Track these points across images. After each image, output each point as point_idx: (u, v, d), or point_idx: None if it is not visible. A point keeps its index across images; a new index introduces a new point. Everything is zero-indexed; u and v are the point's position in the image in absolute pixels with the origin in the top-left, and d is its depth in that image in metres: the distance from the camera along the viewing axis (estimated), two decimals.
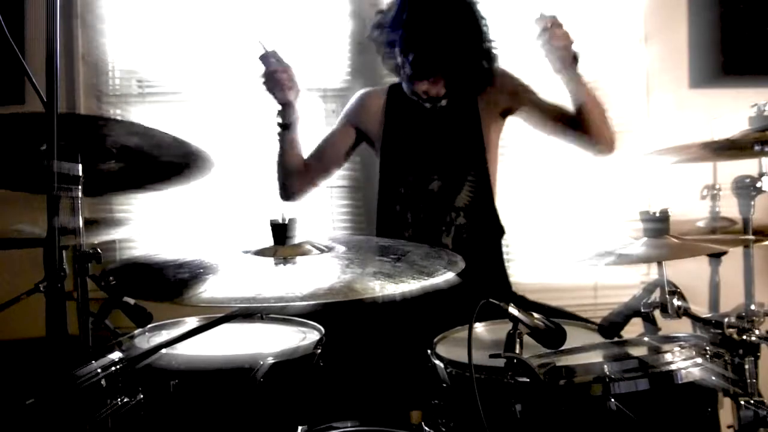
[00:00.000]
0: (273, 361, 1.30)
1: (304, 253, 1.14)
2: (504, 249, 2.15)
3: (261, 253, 1.15)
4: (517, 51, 2.26)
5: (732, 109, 1.67)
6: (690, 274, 1.46)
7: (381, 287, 0.96)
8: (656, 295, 1.39)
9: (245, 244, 1.20)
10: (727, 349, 1.27)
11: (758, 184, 1.62)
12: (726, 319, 1.29)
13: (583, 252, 1.47)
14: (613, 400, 1.13)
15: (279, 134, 2.07)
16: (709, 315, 1.34)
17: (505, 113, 2.11)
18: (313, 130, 2.51)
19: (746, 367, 1.27)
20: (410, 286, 0.99)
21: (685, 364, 1.20)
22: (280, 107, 2.02)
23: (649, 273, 2.40)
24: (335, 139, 2.17)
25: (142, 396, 1.23)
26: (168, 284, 1.04)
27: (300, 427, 1.26)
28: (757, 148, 1.50)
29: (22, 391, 0.97)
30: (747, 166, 1.67)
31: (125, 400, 1.17)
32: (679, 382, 1.19)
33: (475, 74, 2.00)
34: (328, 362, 1.42)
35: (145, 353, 1.19)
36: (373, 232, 2.16)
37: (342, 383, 1.51)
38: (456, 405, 1.27)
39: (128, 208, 2.50)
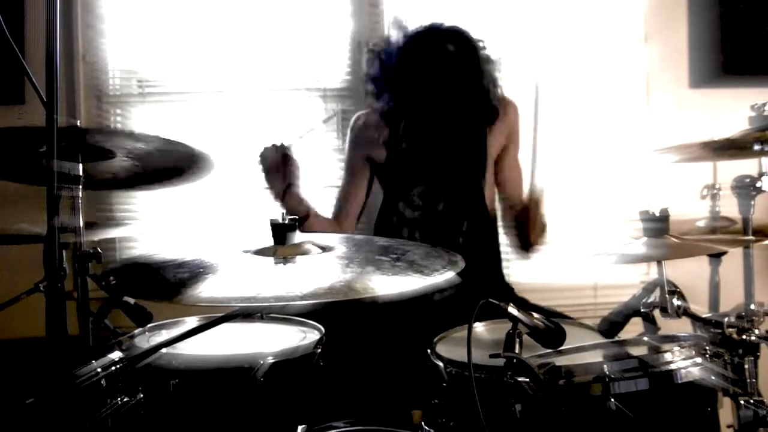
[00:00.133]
0: (273, 361, 1.30)
1: (304, 253, 1.14)
2: (503, 249, 2.15)
3: (261, 252, 1.15)
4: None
5: (732, 109, 1.67)
6: (690, 273, 1.46)
7: (381, 287, 0.96)
8: (656, 295, 1.39)
9: (245, 243, 1.20)
10: (726, 349, 1.27)
11: (758, 184, 1.62)
12: (726, 319, 1.29)
13: (583, 252, 1.47)
14: (612, 399, 1.13)
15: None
16: (708, 315, 1.34)
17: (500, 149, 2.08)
18: (313, 129, 2.52)
19: (746, 366, 1.28)
20: (410, 285, 0.98)
21: (685, 363, 1.20)
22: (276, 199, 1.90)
23: (648, 273, 2.40)
24: (357, 183, 2.09)
25: (142, 396, 1.23)
26: (168, 284, 1.04)
27: (300, 427, 1.26)
28: (757, 148, 1.49)
29: (22, 391, 0.97)
30: (747, 166, 1.67)
31: (125, 399, 1.17)
32: (679, 381, 1.19)
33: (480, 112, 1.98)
34: (328, 362, 1.42)
35: (145, 353, 1.19)
36: (373, 232, 2.16)
37: (342, 383, 1.51)
38: (456, 405, 1.27)
39: (129, 207, 2.51)
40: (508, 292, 2.06)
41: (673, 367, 1.20)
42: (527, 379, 1.12)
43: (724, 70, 2.57)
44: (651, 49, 2.58)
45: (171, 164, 1.44)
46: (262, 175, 1.90)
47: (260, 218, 1.26)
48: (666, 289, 1.35)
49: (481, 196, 2.02)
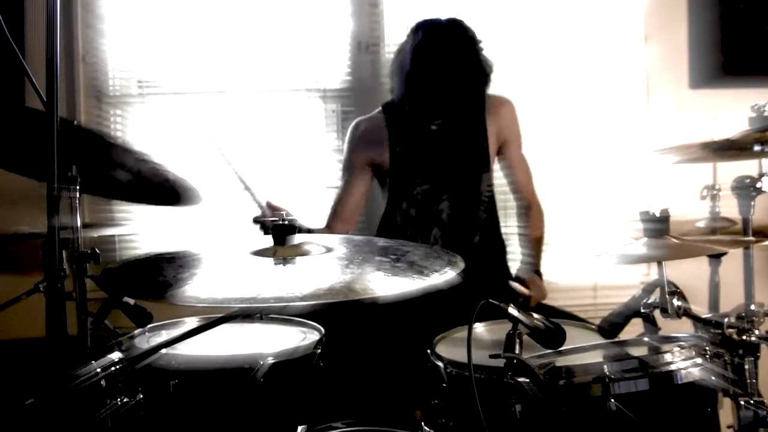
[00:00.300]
0: (273, 361, 1.30)
1: (304, 253, 1.14)
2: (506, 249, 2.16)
3: (261, 253, 1.15)
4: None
5: (732, 109, 1.67)
6: (690, 274, 1.46)
7: (380, 287, 0.96)
8: (656, 296, 1.39)
9: (245, 244, 1.20)
10: (727, 350, 1.27)
11: (758, 185, 1.62)
12: (726, 320, 1.29)
13: (584, 252, 1.47)
14: (612, 400, 1.13)
15: None
16: (709, 315, 1.34)
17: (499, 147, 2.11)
18: (313, 129, 2.53)
19: (746, 367, 1.27)
20: (410, 285, 0.98)
21: (685, 364, 1.21)
22: None
23: (649, 273, 2.40)
24: (354, 189, 2.08)
25: (141, 396, 1.23)
26: (167, 284, 1.04)
27: (300, 427, 1.26)
28: (757, 148, 1.49)
29: (22, 391, 0.97)
30: (747, 167, 1.67)
31: (125, 400, 1.17)
32: (679, 382, 1.19)
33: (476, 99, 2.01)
34: (328, 362, 1.42)
35: (144, 353, 1.19)
36: (373, 233, 2.16)
37: (342, 383, 1.51)
38: (456, 405, 1.27)
39: (128, 207, 2.50)
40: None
41: (673, 367, 1.20)
42: (527, 380, 1.12)
43: (724, 70, 2.57)
44: (651, 49, 2.58)
45: (164, 186, 1.44)
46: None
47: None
48: (666, 289, 1.34)
49: (485, 191, 2.03)
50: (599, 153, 2.56)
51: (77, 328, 1.26)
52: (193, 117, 2.44)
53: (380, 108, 2.11)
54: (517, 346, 1.14)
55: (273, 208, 1.76)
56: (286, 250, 1.15)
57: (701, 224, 1.91)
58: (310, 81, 2.52)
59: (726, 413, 1.27)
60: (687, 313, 1.34)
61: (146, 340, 1.48)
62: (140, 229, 2.47)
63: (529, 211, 2.13)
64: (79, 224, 1.28)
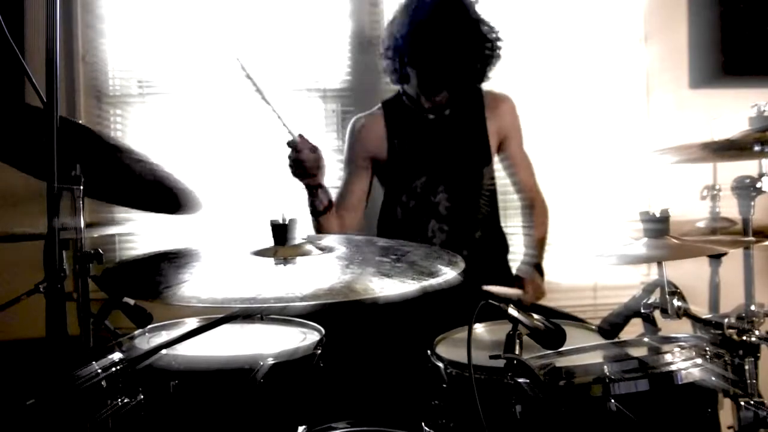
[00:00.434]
0: (273, 362, 1.30)
1: (304, 254, 1.14)
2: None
3: (261, 253, 1.15)
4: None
5: (732, 109, 1.67)
6: (690, 274, 1.46)
7: (381, 287, 0.96)
8: (656, 296, 1.39)
9: (245, 244, 1.20)
10: (727, 350, 1.27)
11: (758, 185, 1.62)
12: (726, 320, 1.29)
13: (584, 252, 1.47)
14: (613, 400, 1.13)
15: (314, 218, 1.94)
16: (709, 316, 1.34)
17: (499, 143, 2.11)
18: (313, 129, 2.52)
19: (746, 367, 1.27)
20: (410, 286, 0.98)
21: (685, 364, 1.21)
22: (308, 193, 1.90)
23: (649, 273, 2.40)
24: (356, 184, 2.08)
25: (142, 396, 1.22)
26: (167, 284, 1.04)
27: (300, 428, 1.26)
28: (757, 148, 1.49)
29: (22, 392, 0.97)
30: (747, 167, 1.66)
31: (125, 400, 1.17)
32: (679, 382, 1.19)
33: (478, 74, 2.01)
34: (328, 363, 1.42)
35: (145, 354, 1.19)
36: (372, 229, 2.16)
37: (342, 384, 1.50)
38: (456, 406, 1.27)
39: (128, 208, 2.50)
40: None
41: (673, 368, 1.20)
42: (527, 380, 1.12)
43: (724, 70, 2.57)
44: (651, 49, 2.58)
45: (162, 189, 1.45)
46: (296, 171, 1.85)
47: (260, 218, 1.26)
48: (666, 290, 1.34)
49: (487, 185, 2.04)
50: (599, 153, 2.56)
51: (79, 328, 1.26)
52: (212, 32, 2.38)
53: (380, 104, 2.12)
54: (517, 347, 1.14)
55: (304, 139, 1.82)
56: (286, 250, 1.15)
57: (701, 224, 1.91)
58: (310, 81, 2.52)
59: (726, 414, 1.27)
60: (687, 313, 1.34)
61: (146, 340, 1.48)
62: (140, 229, 2.47)
63: (533, 209, 2.13)
64: (82, 225, 1.28)
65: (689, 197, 1.93)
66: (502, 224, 2.15)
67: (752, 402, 1.24)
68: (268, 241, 1.17)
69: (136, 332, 1.49)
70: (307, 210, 1.92)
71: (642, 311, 1.40)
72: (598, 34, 2.58)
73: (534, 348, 1.19)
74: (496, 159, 2.13)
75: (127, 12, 2.47)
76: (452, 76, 1.94)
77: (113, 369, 1.11)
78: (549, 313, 1.82)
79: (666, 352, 1.23)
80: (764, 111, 1.59)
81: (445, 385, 1.29)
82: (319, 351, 1.40)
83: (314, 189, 1.88)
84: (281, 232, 1.16)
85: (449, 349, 1.38)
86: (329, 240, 1.25)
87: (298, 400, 1.34)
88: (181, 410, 1.31)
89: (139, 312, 1.43)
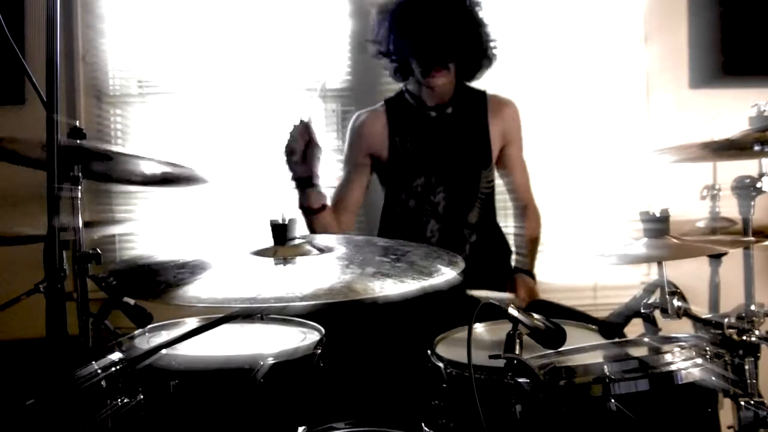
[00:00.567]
0: (273, 362, 1.29)
1: (304, 254, 1.14)
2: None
3: (261, 253, 1.14)
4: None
5: (732, 109, 1.67)
6: (690, 274, 1.46)
7: (381, 287, 0.96)
8: (656, 296, 1.39)
9: (245, 244, 1.20)
10: (727, 350, 1.27)
11: (758, 185, 1.62)
12: (726, 320, 1.29)
13: (584, 252, 1.47)
14: (613, 400, 1.13)
15: (306, 216, 1.88)
16: (709, 315, 1.34)
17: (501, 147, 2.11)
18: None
19: (746, 367, 1.27)
20: (410, 286, 0.98)
21: (685, 364, 1.20)
22: (298, 190, 1.85)
23: (649, 273, 2.40)
24: (355, 180, 2.07)
25: (142, 396, 1.23)
26: (167, 284, 1.04)
27: (300, 428, 1.26)
28: (757, 148, 1.49)
29: (22, 392, 0.97)
30: (747, 166, 1.67)
31: (125, 400, 1.17)
32: (679, 382, 1.19)
33: (476, 59, 1.99)
34: (328, 362, 1.42)
35: (145, 354, 1.19)
36: (374, 233, 2.16)
37: (342, 384, 1.50)
38: (456, 405, 1.27)
39: (128, 208, 2.51)
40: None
41: (673, 367, 1.20)
42: (528, 380, 1.12)
43: (724, 70, 2.57)
44: (651, 49, 2.58)
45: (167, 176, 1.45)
46: (288, 158, 1.82)
47: (260, 218, 1.26)
48: (666, 289, 1.34)
49: (485, 188, 2.04)
50: (599, 153, 2.56)
51: (78, 328, 1.26)
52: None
53: (382, 102, 2.11)
54: (517, 347, 1.14)
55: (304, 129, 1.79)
56: (286, 250, 1.15)
57: (701, 224, 1.92)
58: (310, 81, 2.52)
59: (726, 414, 1.27)
60: (687, 313, 1.34)
61: (146, 340, 1.48)
62: (140, 229, 2.47)
63: (525, 214, 2.13)
64: (80, 224, 1.28)
65: (689, 197, 1.93)
66: (502, 224, 2.15)
67: (752, 402, 1.24)
68: (268, 241, 1.17)
69: (136, 332, 1.49)
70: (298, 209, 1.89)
71: (642, 311, 1.40)
72: (598, 35, 2.58)
73: (534, 348, 1.19)
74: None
75: (127, 12, 2.47)
76: (448, 46, 1.90)
77: (113, 369, 1.11)
78: (552, 309, 1.81)
79: (666, 352, 1.23)
80: (764, 111, 1.59)
81: (445, 385, 1.28)
82: (319, 351, 1.40)
83: (304, 184, 1.85)
84: (281, 232, 1.16)
85: (449, 349, 1.38)
86: (329, 240, 1.25)
87: (298, 400, 1.34)
88: (181, 410, 1.31)
89: (139, 312, 1.43)
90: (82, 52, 2.45)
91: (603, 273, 2.46)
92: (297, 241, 1.17)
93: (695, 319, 1.34)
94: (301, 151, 1.80)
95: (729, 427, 1.29)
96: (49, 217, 1.03)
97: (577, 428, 1.16)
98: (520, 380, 1.13)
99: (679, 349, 1.24)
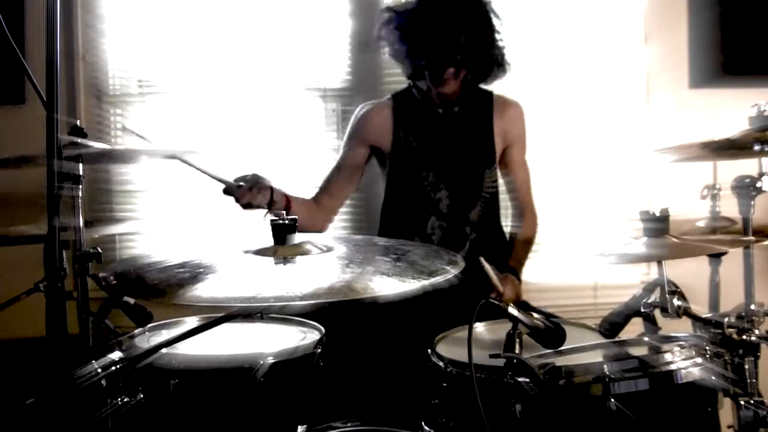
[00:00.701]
0: (273, 361, 1.30)
1: (304, 253, 1.14)
2: None
3: (261, 252, 1.15)
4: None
5: (732, 109, 1.67)
6: (690, 273, 1.46)
7: (381, 287, 0.96)
8: (656, 295, 1.39)
9: (245, 243, 1.20)
10: (727, 349, 1.27)
11: (758, 184, 1.62)
12: (726, 319, 1.29)
13: (584, 252, 1.47)
14: (612, 400, 1.13)
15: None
16: (709, 315, 1.34)
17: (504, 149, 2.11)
18: (313, 129, 2.53)
19: (746, 367, 1.28)
20: (411, 285, 0.98)
21: (685, 364, 1.20)
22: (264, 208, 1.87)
23: (649, 273, 2.40)
24: (347, 164, 2.09)
25: (142, 396, 1.23)
26: (167, 284, 1.04)
27: (300, 427, 1.26)
28: (757, 148, 1.49)
29: (22, 391, 0.97)
30: (747, 166, 1.67)
31: (125, 399, 1.17)
32: (679, 382, 1.19)
33: (488, 67, 1.98)
34: (329, 362, 1.42)
35: (145, 353, 1.19)
36: (374, 233, 2.16)
37: (342, 383, 1.50)
38: (456, 405, 1.27)
39: (128, 207, 2.51)
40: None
41: (673, 367, 1.20)
42: (527, 380, 1.12)
43: (724, 70, 2.56)
44: (651, 49, 2.57)
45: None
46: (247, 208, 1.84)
47: (260, 218, 1.26)
48: (666, 289, 1.35)
49: (489, 187, 2.04)
50: (599, 153, 2.56)
51: (78, 327, 1.26)
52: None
53: (389, 96, 2.11)
54: (517, 346, 1.14)
55: (240, 184, 1.82)
56: (286, 249, 1.15)
57: (701, 224, 1.91)
58: (310, 80, 2.52)
59: (726, 413, 1.27)
60: (687, 312, 1.34)
61: (146, 339, 1.48)
62: (140, 229, 2.47)
63: (523, 217, 2.13)
64: (81, 224, 1.29)
65: (689, 196, 1.93)
66: (504, 227, 2.15)
67: (752, 401, 1.24)
68: (268, 241, 1.17)
69: (136, 331, 1.49)
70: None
71: (642, 310, 1.40)
72: (598, 35, 2.58)
73: (534, 347, 1.19)
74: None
75: (127, 12, 2.47)
76: (460, 57, 1.89)
77: (113, 368, 1.11)
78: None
79: (666, 352, 1.23)
80: (764, 111, 1.59)
81: (445, 384, 1.29)
82: (319, 350, 1.40)
83: (268, 205, 1.87)
84: (281, 231, 1.16)
85: (449, 348, 1.38)
86: (329, 240, 1.25)
87: (298, 399, 1.34)
88: (181, 409, 1.31)
89: (139, 311, 1.43)
90: (82, 52, 2.45)
91: (603, 272, 2.46)
92: (297, 241, 1.17)
93: (695, 318, 1.35)
94: (253, 200, 1.81)
95: (729, 427, 1.29)
96: (49, 216, 1.04)
97: (577, 428, 1.16)
98: (520, 379, 1.13)
99: (679, 348, 1.24)
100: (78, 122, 1.37)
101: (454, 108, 2.04)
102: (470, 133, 2.04)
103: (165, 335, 1.51)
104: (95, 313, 1.36)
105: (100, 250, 1.29)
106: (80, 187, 1.31)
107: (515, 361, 1.13)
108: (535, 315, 1.18)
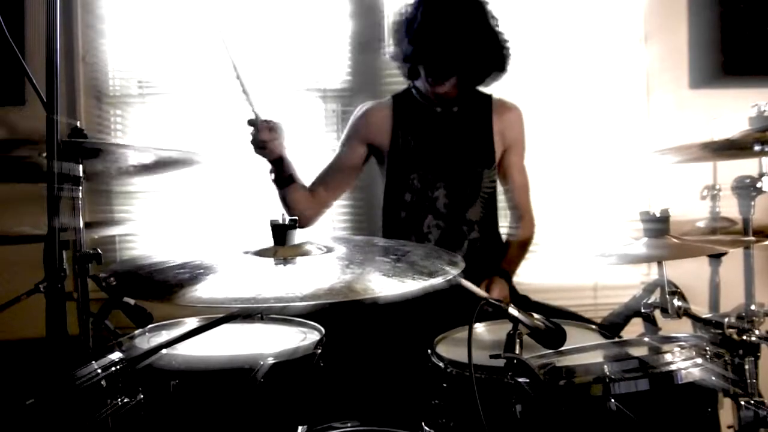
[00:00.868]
0: (273, 362, 1.30)
1: (304, 254, 1.14)
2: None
3: (261, 253, 1.15)
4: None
5: (732, 109, 1.67)
6: (690, 274, 1.46)
7: (381, 287, 0.96)
8: (656, 296, 1.39)
9: (245, 244, 1.20)
10: (727, 350, 1.27)
11: (758, 184, 1.62)
12: (726, 320, 1.29)
13: (584, 252, 1.47)
14: (613, 400, 1.13)
15: (279, 189, 1.99)
16: (709, 315, 1.34)
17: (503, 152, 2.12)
18: (313, 129, 2.53)
19: (746, 367, 1.28)
20: (411, 286, 0.98)
21: (685, 364, 1.20)
22: (271, 166, 1.94)
23: (649, 273, 2.40)
24: (344, 161, 2.11)
25: (142, 396, 1.22)
26: (168, 284, 1.04)
27: (300, 427, 1.26)
28: (757, 148, 1.49)
29: (22, 391, 0.97)
30: (747, 166, 1.67)
31: (125, 400, 1.17)
32: (679, 382, 1.19)
33: (486, 69, 1.99)
34: (329, 362, 1.42)
35: (145, 353, 1.19)
36: (374, 233, 2.16)
37: (342, 383, 1.50)
38: (456, 405, 1.27)
39: (128, 208, 2.51)
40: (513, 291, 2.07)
41: (673, 367, 1.20)
42: (528, 380, 1.12)
43: (724, 70, 2.56)
44: (651, 49, 2.57)
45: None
46: (254, 142, 1.89)
47: (260, 218, 1.26)
48: (666, 289, 1.35)
49: (486, 188, 2.04)
50: (599, 153, 2.56)
51: (78, 328, 1.26)
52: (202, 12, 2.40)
53: (389, 96, 2.13)
54: (518, 346, 1.14)
55: (267, 121, 1.87)
56: (286, 250, 1.15)
57: (701, 224, 1.92)
58: (310, 81, 2.52)
59: (726, 413, 1.27)
60: (687, 313, 1.34)
61: (146, 340, 1.48)
62: (140, 229, 2.47)
63: (521, 222, 2.13)
64: (81, 225, 1.28)
65: (689, 197, 1.93)
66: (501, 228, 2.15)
67: (752, 401, 1.24)
68: (268, 241, 1.17)
69: (136, 332, 1.49)
70: (271, 182, 1.98)
71: (642, 311, 1.40)
72: (598, 35, 2.58)
73: (534, 347, 1.19)
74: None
75: (127, 12, 2.47)
76: (458, 62, 1.90)
77: (113, 369, 1.11)
78: (551, 311, 1.81)
79: (666, 352, 1.23)
80: (764, 111, 1.59)
81: (445, 385, 1.29)
82: (319, 351, 1.40)
83: (276, 162, 1.93)
84: (281, 232, 1.16)
85: (449, 349, 1.38)
86: (329, 240, 1.25)
87: (298, 399, 1.34)
88: (181, 410, 1.31)
89: (139, 312, 1.43)
90: (82, 52, 2.45)
91: (603, 273, 2.47)
92: (297, 241, 1.17)
93: (695, 318, 1.35)
94: (267, 140, 1.86)
95: (729, 427, 1.29)
96: (49, 217, 1.04)
97: (577, 428, 1.16)
98: (520, 380, 1.13)
99: (679, 348, 1.24)
100: (78, 123, 1.37)
101: (453, 108, 2.04)
102: (469, 133, 2.05)
103: (165, 336, 1.51)
104: (95, 314, 1.36)
105: (100, 251, 1.29)
106: (80, 187, 1.30)
107: (515, 361, 1.13)
108: (536, 315, 1.18)
